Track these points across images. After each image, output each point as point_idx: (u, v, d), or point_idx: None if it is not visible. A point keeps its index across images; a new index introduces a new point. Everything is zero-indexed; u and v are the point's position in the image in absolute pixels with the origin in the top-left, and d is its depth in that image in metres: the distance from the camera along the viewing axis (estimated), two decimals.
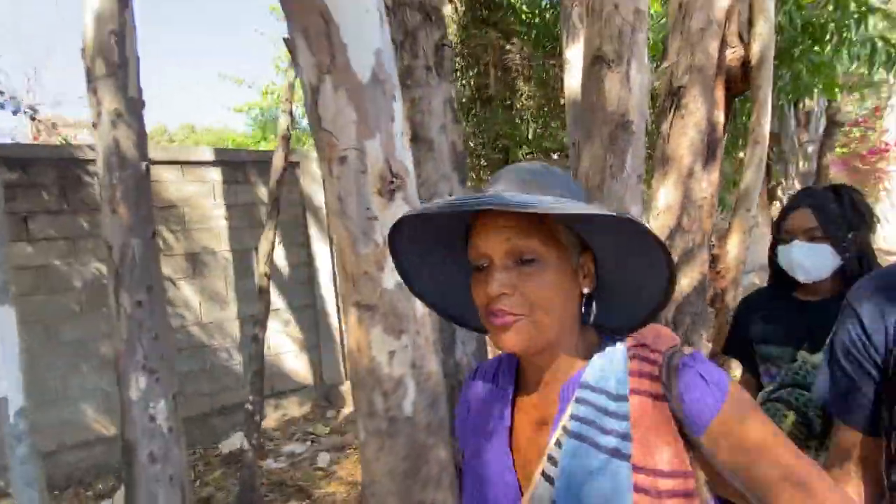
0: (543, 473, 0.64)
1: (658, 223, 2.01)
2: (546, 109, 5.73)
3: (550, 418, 0.67)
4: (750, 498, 0.60)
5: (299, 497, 3.47)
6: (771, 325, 1.41)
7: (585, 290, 0.67)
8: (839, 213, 1.29)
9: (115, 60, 2.04)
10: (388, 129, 1.14)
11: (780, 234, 1.36)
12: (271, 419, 4.64)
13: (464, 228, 0.69)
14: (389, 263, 1.11)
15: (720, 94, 2.01)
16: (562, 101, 4.58)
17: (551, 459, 0.63)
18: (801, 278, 1.32)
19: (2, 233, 1.64)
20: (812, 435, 1.19)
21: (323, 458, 3.92)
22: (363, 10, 1.08)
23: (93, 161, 3.01)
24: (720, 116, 2.01)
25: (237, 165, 4.69)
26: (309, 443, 4.29)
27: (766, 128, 2.12)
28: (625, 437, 0.60)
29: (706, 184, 1.96)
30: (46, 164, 3.78)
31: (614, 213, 0.58)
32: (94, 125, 2.03)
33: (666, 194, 1.99)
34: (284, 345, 4.90)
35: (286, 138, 3.60)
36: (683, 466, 0.60)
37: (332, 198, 1.17)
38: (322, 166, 1.18)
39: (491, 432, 0.73)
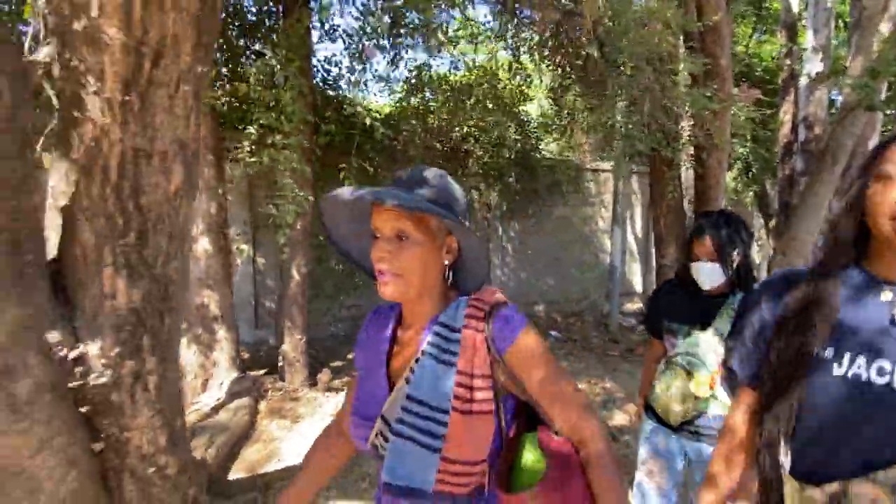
0: (406, 378, 0.92)
1: None
2: None
3: (417, 344, 0.96)
4: (533, 403, 0.92)
5: None
6: (676, 307, 1.89)
7: (446, 262, 0.94)
8: (728, 237, 1.74)
9: None
10: None
11: (690, 254, 1.82)
12: None
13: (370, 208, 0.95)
14: None
15: None
16: None
17: (412, 370, 0.91)
18: (705, 288, 1.80)
19: None
20: None
21: None
22: None
23: None
24: None
25: None
26: None
27: None
28: (455, 353, 0.90)
29: None
30: None
31: (443, 213, 0.85)
32: None
33: None
34: None
35: None
36: (488, 371, 0.90)
37: None
38: None
39: (376, 353, 1.02)
